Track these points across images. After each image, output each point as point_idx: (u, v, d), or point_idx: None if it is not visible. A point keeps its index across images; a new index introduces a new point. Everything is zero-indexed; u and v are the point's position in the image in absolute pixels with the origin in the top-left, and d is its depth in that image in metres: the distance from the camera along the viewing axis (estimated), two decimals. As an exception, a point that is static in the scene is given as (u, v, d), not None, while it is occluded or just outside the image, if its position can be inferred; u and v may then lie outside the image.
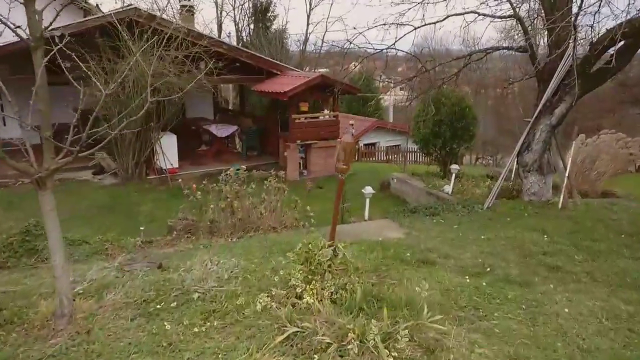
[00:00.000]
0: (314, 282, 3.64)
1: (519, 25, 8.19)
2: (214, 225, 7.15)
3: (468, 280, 4.48)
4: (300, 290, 3.58)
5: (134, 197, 11.68)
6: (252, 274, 4.39)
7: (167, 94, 12.11)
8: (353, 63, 12.51)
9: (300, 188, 12.59)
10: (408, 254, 5.16)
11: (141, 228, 7.14)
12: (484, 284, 4.40)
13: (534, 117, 7.95)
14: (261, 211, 7.02)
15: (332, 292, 3.59)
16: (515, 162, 8.61)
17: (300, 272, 3.71)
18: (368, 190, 7.93)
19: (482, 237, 6.01)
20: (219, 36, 23.60)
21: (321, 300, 3.51)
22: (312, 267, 3.72)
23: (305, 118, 13.18)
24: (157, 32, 7.06)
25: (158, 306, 3.68)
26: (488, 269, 4.88)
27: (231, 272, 4.41)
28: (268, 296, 3.66)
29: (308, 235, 5.72)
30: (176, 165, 13.42)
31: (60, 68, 3.83)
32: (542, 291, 4.35)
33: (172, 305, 3.70)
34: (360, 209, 8.80)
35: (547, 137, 7.92)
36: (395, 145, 24.54)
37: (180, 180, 13.00)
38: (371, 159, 23.78)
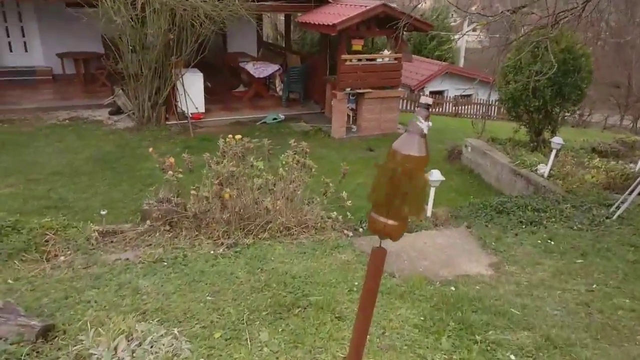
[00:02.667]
0: None
1: None
2: (204, 216, 4.91)
3: None
4: None
5: (144, 147, 9.70)
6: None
7: (191, 21, 9.83)
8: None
9: (347, 150, 10.12)
10: (509, 341, 2.68)
11: (102, 212, 5.02)
12: None
13: None
14: (267, 206, 4.66)
15: None
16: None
17: None
18: (434, 176, 5.35)
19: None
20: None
21: None
22: None
23: (359, 60, 10.41)
24: None
25: None
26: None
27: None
28: None
29: (334, 257, 3.38)
30: (202, 109, 11.22)
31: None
32: None
33: None
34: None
35: None
36: (467, 96, 21.15)
37: (203, 128, 10.98)
38: (437, 109, 20.63)
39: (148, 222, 4.98)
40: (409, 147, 1.38)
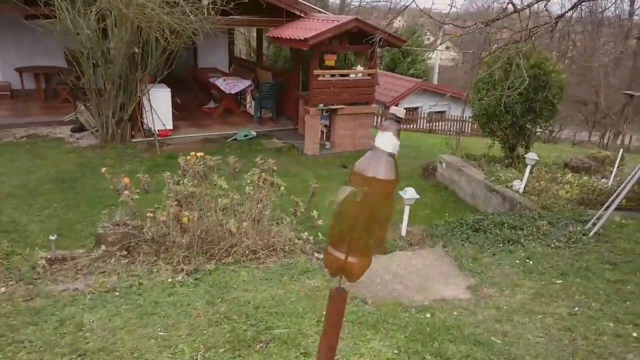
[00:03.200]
0: None
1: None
2: (162, 240, 4.57)
3: None
4: None
5: (107, 165, 9.24)
6: None
7: (155, 35, 9.51)
8: (396, 17, 9.41)
9: (321, 167, 9.88)
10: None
11: (51, 237, 4.62)
12: None
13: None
14: (231, 229, 4.35)
15: None
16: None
17: None
18: (409, 194, 5.13)
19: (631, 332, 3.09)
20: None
21: None
22: None
23: (332, 75, 10.25)
24: None
25: None
26: None
27: None
28: None
29: (302, 283, 3.09)
30: (170, 126, 10.86)
31: None
32: None
33: None
34: (395, 213, 6.06)
35: None
36: (440, 112, 21.29)
37: (171, 145, 10.60)
38: (412, 125, 20.65)
39: (103, 247, 4.61)
40: (375, 169, 1.13)
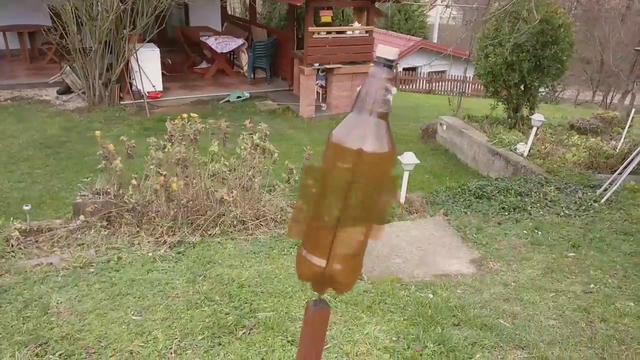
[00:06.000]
0: None
1: None
2: (146, 210, 4.26)
3: None
4: None
5: (94, 129, 8.85)
6: None
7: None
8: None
9: (316, 130, 9.49)
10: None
11: (25, 207, 4.31)
12: None
13: None
14: (220, 197, 4.04)
15: None
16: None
17: None
18: (408, 159, 4.80)
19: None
20: None
21: None
22: None
23: (328, 32, 9.72)
24: None
25: None
26: None
27: None
28: None
29: (293, 256, 2.82)
30: (160, 88, 10.40)
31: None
32: None
33: None
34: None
35: None
36: (440, 72, 20.68)
37: (161, 108, 10.18)
38: (410, 86, 20.09)
39: (82, 217, 4.31)
40: (361, 138, 0.80)
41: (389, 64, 0.81)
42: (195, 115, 4.54)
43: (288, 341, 2.31)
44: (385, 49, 0.82)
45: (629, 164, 4.80)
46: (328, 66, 9.79)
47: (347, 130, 0.80)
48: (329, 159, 0.80)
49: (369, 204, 0.82)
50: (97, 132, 4.24)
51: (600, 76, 24.25)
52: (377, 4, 10.19)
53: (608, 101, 23.99)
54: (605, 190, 4.89)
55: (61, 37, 9.52)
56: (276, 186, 4.75)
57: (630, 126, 7.04)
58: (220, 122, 4.78)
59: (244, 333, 2.39)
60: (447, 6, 12.44)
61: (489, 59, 8.07)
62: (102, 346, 2.30)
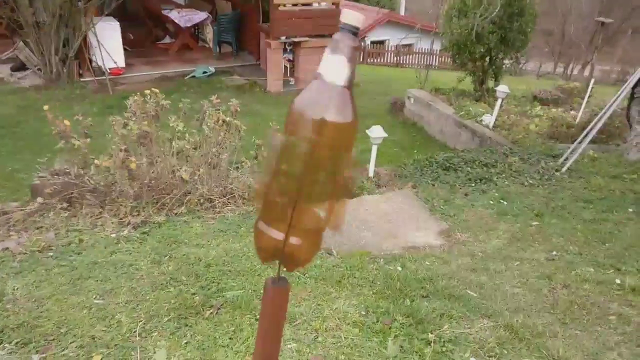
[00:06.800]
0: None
1: None
2: (109, 190, 4.12)
3: None
4: None
5: (54, 108, 8.51)
6: None
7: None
8: None
9: (284, 105, 9.34)
10: (467, 335, 2.21)
11: (-21, 192, 4.12)
12: None
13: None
14: (182, 175, 3.94)
15: None
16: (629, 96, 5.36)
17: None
18: (376, 132, 4.78)
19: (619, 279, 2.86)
20: None
21: None
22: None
23: (294, 5, 9.51)
24: None
25: None
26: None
27: None
28: None
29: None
30: (122, 64, 10.05)
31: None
32: None
33: None
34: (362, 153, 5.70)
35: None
36: (408, 45, 20.64)
37: (124, 85, 9.83)
38: (378, 59, 20.02)
39: (40, 199, 4.15)
40: (324, 107, 0.74)
41: (354, 31, 0.76)
42: (157, 90, 4.38)
43: (256, 319, 2.28)
44: (350, 15, 0.76)
45: (588, 133, 4.91)
46: (295, 39, 9.61)
47: (309, 98, 0.74)
48: (290, 129, 0.75)
49: (331, 176, 0.78)
50: (46, 107, 4.03)
51: (562, 48, 24.69)
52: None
53: (569, 72, 24.49)
54: (567, 159, 4.99)
55: (12, 10, 9.02)
56: (244, 163, 4.67)
57: (589, 96, 7.19)
58: (185, 100, 4.63)
59: (211, 313, 2.35)
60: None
61: (454, 30, 8.07)
62: (61, 332, 2.22)
